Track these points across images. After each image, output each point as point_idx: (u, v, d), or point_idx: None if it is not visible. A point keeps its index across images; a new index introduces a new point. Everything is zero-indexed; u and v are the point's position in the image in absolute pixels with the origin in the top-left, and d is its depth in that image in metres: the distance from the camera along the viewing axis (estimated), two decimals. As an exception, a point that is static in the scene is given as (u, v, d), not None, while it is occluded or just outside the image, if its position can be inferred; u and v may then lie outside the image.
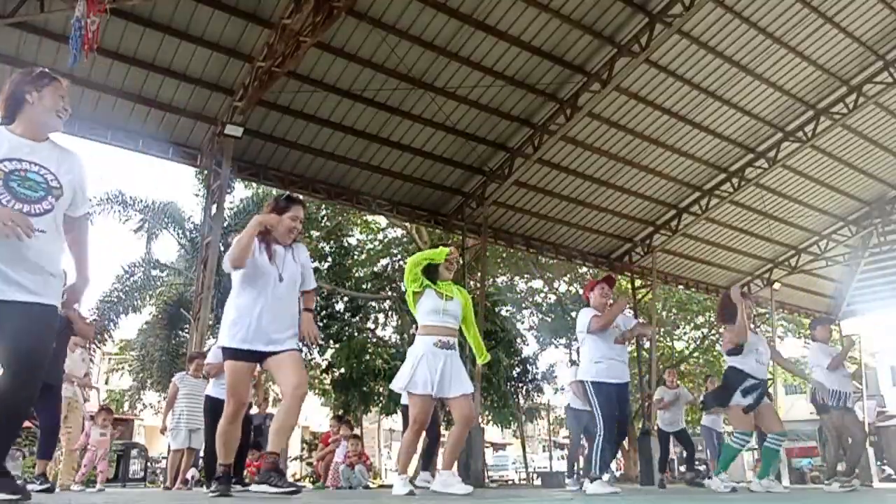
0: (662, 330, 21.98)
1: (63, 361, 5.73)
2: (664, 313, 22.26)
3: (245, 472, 7.42)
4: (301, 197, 3.92)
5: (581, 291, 22.79)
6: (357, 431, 11.96)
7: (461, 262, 4.73)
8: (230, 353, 3.55)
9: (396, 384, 4.26)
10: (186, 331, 15.16)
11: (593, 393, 5.12)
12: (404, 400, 7.07)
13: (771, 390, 18.92)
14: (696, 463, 10.95)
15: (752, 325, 5.60)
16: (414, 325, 17.39)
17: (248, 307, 3.54)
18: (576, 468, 8.88)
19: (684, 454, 12.10)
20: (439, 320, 4.18)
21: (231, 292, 3.68)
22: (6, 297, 2.46)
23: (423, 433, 7.10)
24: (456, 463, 4.41)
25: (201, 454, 8.76)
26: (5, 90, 2.69)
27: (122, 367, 20.48)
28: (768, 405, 5.52)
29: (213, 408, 6.21)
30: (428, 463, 7.93)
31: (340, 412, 15.37)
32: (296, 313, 3.74)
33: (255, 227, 3.54)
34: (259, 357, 3.55)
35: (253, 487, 3.59)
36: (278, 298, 3.59)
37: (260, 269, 3.58)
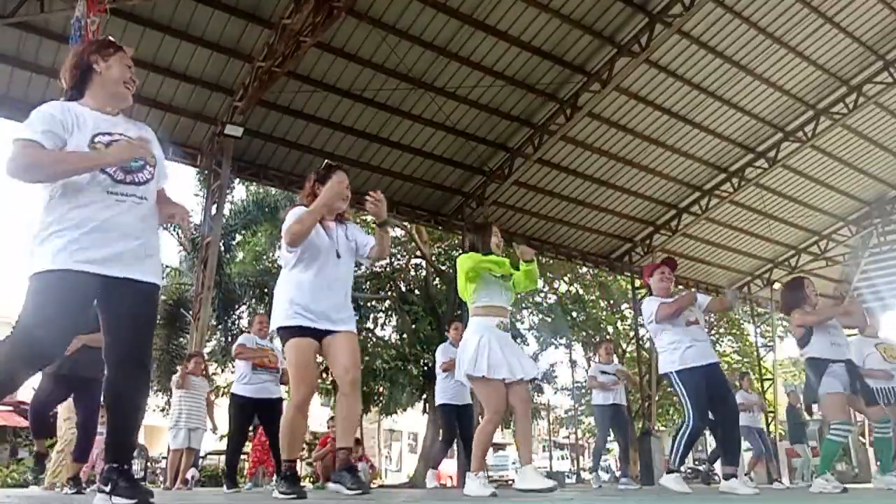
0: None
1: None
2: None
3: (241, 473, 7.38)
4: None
5: (581, 291, 22.90)
6: (357, 432, 11.94)
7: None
8: (293, 332, 3.32)
9: (465, 371, 3.84)
10: (187, 331, 15.16)
11: (680, 382, 4.63)
12: (439, 399, 6.91)
13: (771, 390, 18.92)
14: (699, 463, 10.88)
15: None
16: (414, 325, 17.33)
17: (307, 284, 3.37)
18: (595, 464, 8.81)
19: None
20: (499, 301, 3.97)
21: (284, 271, 3.52)
22: (118, 273, 2.35)
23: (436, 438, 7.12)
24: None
25: (202, 454, 8.77)
26: (70, 62, 2.58)
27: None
28: (855, 392, 4.83)
29: (241, 406, 6.10)
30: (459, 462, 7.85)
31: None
32: (350, 292, 3.59)
33: (320, 210, 3.38)
34: (320, 336, 3.36)
35: (330, 486, 3.43)
36: (337, 276, 3.46)
37: (318, 245, 3.44)
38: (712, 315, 23.01)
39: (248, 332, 6.50)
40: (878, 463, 4.72)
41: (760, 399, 9.77)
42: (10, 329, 2.30)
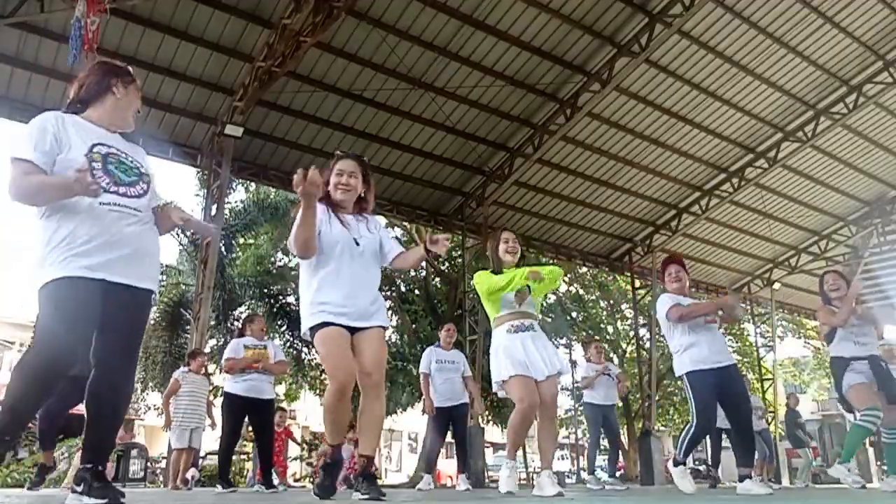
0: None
1: None
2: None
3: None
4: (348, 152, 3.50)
5: (581, 292, 22.89)
6: (356, 433, 11.93)
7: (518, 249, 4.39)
8: (321, 326, 3.11)
9: (496, 381, 4.00)
10: (188, 331, 15.17)
11: (688, 384, 4.61)
12: (435, 400, 6.90)
13: (771, 390, 18.90)
14: (698, 463, 10.85)
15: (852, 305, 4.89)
16: (414, 325, 17.37)
17: (328, 280, 3.15)
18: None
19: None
20: (512, 307, 4.04)
21: (303, 269, 3.29)
22: (114, 278, 2.43)
23: (436, 437, 7.12)
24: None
25: (202, 454, 8.76)
26: (89, 77, 2.65)
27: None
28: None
29: (232, 405, 6.08)
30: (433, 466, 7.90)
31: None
32: (377, 287, 3.36)
33: (306, 215, 3.02)
34: (350, 330, 3.14)
35: (353, 495, 3.26)
36: (360, 267, 3.22)
37: (333, 239, 3.19)
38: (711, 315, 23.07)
39: (240, 336, 6.37)
40: (886, 465, 4.67)
41: (758, 401, 9.77)
42: (11, 329, 2.36)
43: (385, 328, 3.30)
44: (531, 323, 4.05)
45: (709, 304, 4.87)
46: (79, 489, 2.36)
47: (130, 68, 2.77)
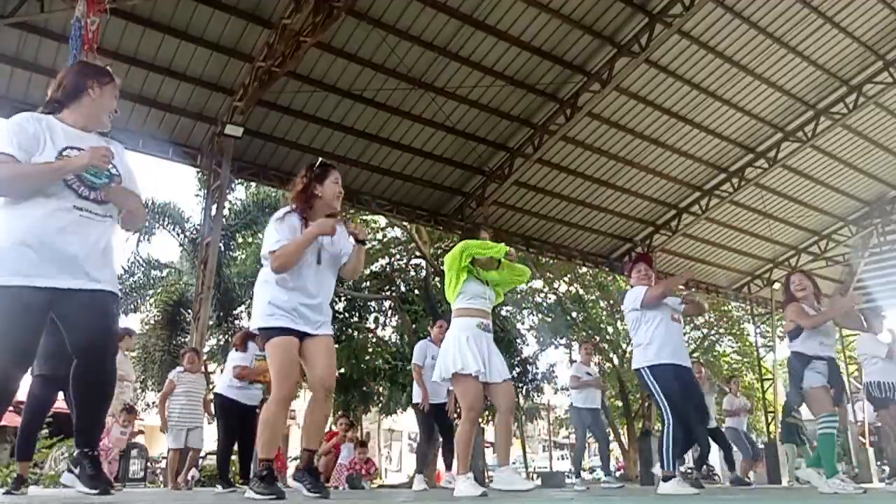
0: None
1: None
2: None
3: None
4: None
5: (581, 292, 22.89)
6: (357, 432, 11.95)
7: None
8: (274, 332, 3.25)
9: (445, 370, 3.89)
10: (187, 331, 15.17)
11: (651, 378, 4.58)
12: (416, 398, 7.00)
13: (771, 390, 18.87)
14: (707, 465, 10.78)
15: (814, 306, 4.93)
16: (414, 325, 17.32)
17: (287, 284, 3.29)
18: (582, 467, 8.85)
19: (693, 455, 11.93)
20: (481, 304, 4.03)
21: (264, 269, 3.43)
22: (73, 285, 2.47)
23: (426, 435, 7.12)
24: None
25: (202, 454, 8.75)
26: (65, 78, 2.70)
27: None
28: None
29: (226, 408, 6.25)
30: (445, 464, 7.89)
31: (341, 412, 15.35)
32: (331, 295, 3.50)
33: (309, 241, 3.26)
34: (299, 336, 3.29)
35: (291, 484, 3.40)
36: (321, 275, 3.38)
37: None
38: (711, 315, 23.05)
39: (242, 342, 6.55)
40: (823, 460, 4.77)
41: (747, 403, 9.77)
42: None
43: (332, 338, 3.48)
44: (489, 324, 4.06)
45: (677, 277, 4.98)
46: (76, 471, 2.51)
47: (109, 69, 2.82)
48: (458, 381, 3.88)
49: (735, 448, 9.36)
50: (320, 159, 3.61)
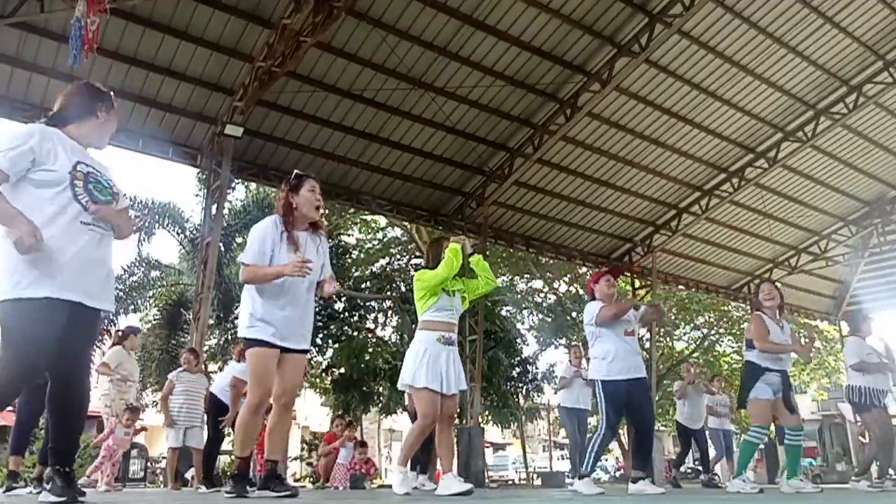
0: (663, 330, 21.97)
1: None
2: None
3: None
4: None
5: (581, 292, 22.90)
6: (357, 432, 11.94)
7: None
8: (256, 343, 3.43)
9: (404, 381, 4.15)
10: (186, 331, 15.17)
11: (601, 390, 4.90)
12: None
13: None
14: (698, 463, 10.84)
15: (776, 316, 5.28)
16: (414, 326, 17.32)
17: (269, 297, 3.43)
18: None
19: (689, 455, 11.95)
20: (445, 316, 4.15)
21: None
22: (88, 302, 2.57)
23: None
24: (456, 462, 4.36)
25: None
26: (75, 94, 2.79)
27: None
28: (781, 399, 5.15)
29: (220, 409, 6.35)
30: (426, 465, 7.89)
31: (340, 412, 15.36)
32: (312, 310, 3.65)
33: (277, 274, 3.39)
34: (282, 350, 3.47)
35: (255, 494, 3.52)
36: (302, 290, 3.51)
37: (283, 261, 3.45)
38: (710, 315, 23.05)
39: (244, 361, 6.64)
40: (786, 468, 5.15)
41: (730, 402, 9.79)
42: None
43: (306, 355, 3.70)
44: (455, 337, 4.22)
45: (629, 301, 5.24)
46: (47, 487, 2.71)
47: (112, 94, 2.91)
48: (414, 391, 4.13)
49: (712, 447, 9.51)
50: (296, 171, 3.70)
